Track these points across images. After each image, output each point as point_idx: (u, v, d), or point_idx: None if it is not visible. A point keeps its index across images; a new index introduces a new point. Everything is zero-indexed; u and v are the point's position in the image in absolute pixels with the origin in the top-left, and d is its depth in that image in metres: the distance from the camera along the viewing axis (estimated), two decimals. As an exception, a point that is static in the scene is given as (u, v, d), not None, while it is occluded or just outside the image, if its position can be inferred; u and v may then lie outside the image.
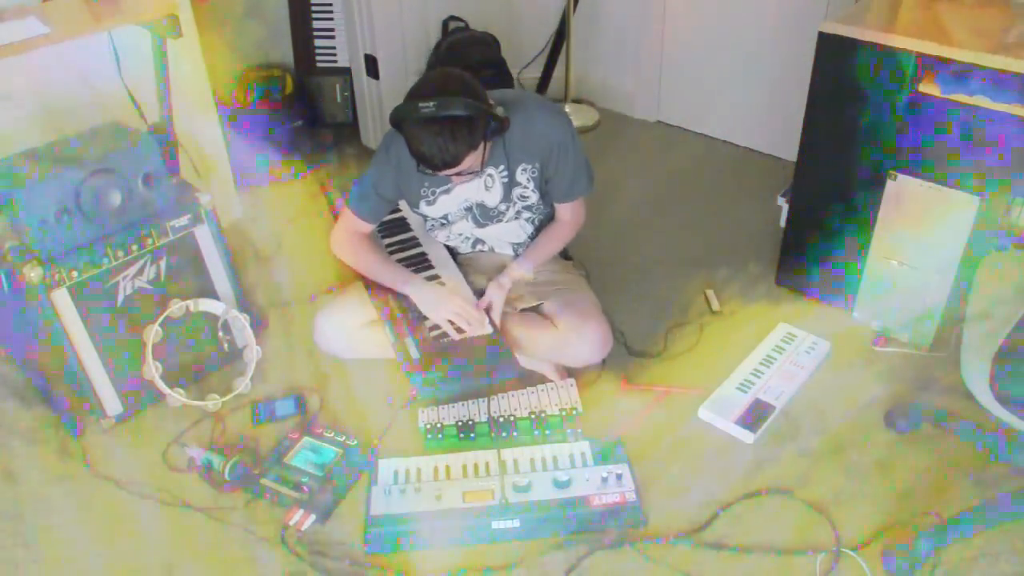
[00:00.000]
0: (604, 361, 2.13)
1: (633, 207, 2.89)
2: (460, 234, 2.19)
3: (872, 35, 1.93)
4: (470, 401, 2.05)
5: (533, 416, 2.00)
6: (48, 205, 1.83)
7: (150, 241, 2.00)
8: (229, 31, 2.96)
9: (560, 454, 1.90)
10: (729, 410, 2.00)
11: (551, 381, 2.12)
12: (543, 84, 3.55)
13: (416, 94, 1.76)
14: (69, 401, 2.05)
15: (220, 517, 1.81)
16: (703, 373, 2.13)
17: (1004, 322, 1.58)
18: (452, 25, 3.25)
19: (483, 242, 2.21)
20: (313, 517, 1.78)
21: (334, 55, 3.24)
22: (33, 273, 1.82)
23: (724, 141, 3.32)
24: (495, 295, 2.06)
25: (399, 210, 2.36)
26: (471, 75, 1.83)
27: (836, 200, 2.20)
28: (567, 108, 3.48)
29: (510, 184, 2.03)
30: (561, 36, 3.40)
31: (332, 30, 3.20)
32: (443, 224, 2.16)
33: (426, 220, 2.18)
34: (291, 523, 1.77)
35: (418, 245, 2.27)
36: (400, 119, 1.77)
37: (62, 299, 1.88)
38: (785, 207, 2.48)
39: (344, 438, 1.97)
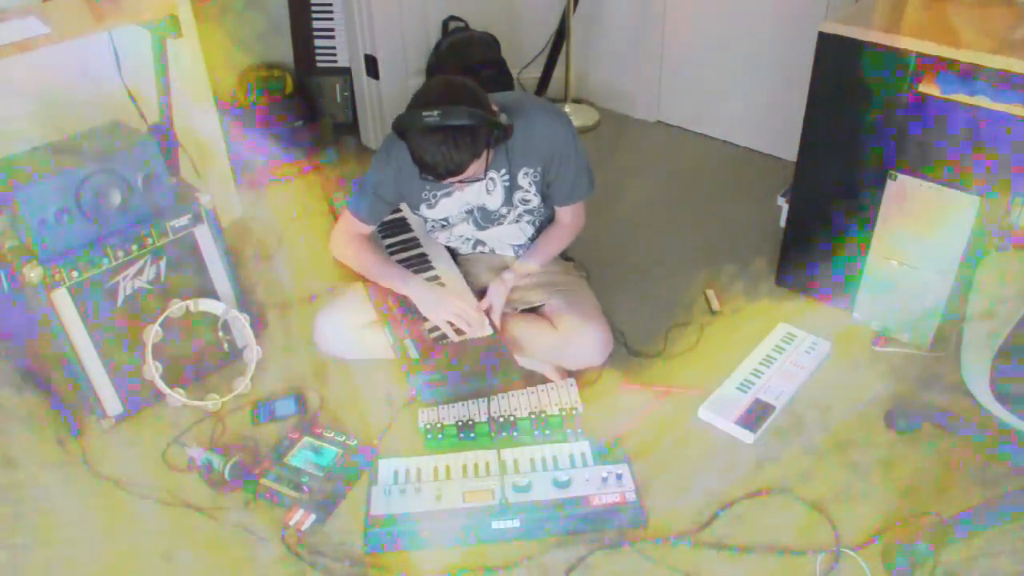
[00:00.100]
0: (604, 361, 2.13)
1: (633, 207, 2.89)
2: (461, 236, 2.19)
3: (872, 35, 1.93)
4: (470, 401, 2.05)
5: (533, 416, 2.00)
6: (48, 205, 1.83)
7: (150, 241, 2.00)
8: (229, 31, 2.96)
9: (560, 454, 1.90)
10: (729, 410, 2.00)
11: (551, 381, 2.11)
12: (543, 84, 3.55)
13: (420, 102, 1.75)
14: (69, 401, 2.05)
15: (220, 517, 1.81)
16: (703, 373, 2.13)
17: (1004, 322, 1.58)
18: (452, 25, 3.25)
19: (483, 243, 2.21)
20: (313, 517, 1.78)
21: (334, 55, 3.24)
22: (33, 273, 1.82)
23: (724, 141, 3.32)
24: (495, 296, 2.06)
25: (400, 210, 2.36)
26: (474, 81, 1.82)
27: (836, 200, 2.20)
28: (567, 108, 3.48)
29: (512, 188, 2.03)
30: (561, 36, 3.40)
31: (332, 30, 3.20)
32: (444, 226, 2.15)
33: (426, 222, 2.18)
34: (291, 523, 1.77)
35: (419, 246, 2.27)
36: (404, 127, 1.77)
37: (62, 299, 1.88)
38: (785, 207, 2.48)
39: (344, 438, 1.97)
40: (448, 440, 1.96)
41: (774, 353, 2.17)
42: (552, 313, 2.08)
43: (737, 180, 3.07)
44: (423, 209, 2.10)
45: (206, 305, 2.13)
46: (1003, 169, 1.89)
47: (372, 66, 3.10)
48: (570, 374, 2.13)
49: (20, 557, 1.76)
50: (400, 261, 2.20)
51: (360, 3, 2.99)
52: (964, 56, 1.83)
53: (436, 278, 2.14)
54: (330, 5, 3.16)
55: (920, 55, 1.89)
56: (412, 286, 2.07)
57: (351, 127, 3.34)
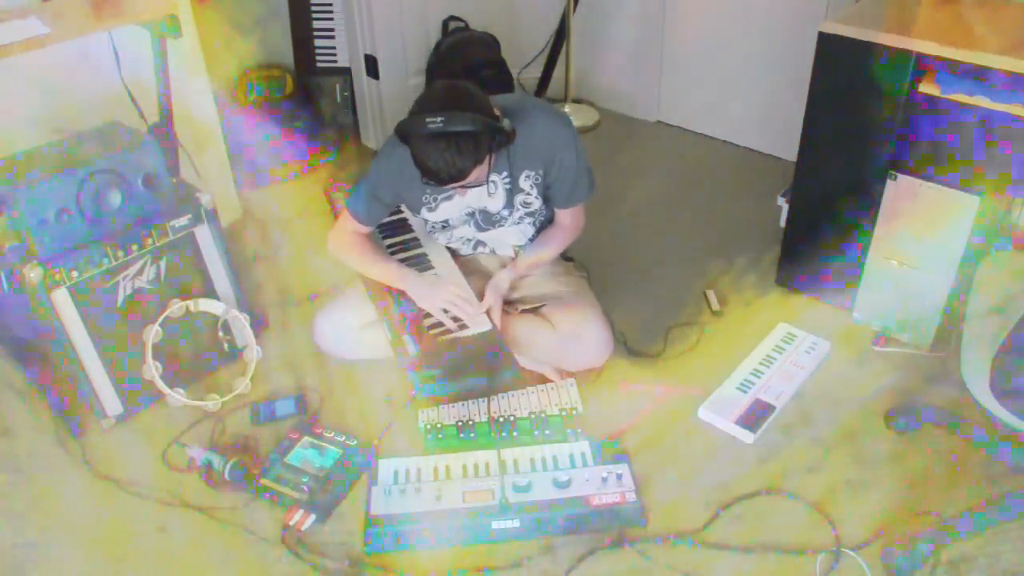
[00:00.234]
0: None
1: (633, 207, 2.89)
2: (461, 237, 2.19)
3: (872, 35, 1.93)
4: (470, 401, 2.05)
5: (533, 416, 2.00)
6: (48, 205, 1.83)
7: (150, 241, 2.00)
8: (229, 31, 2.96)
9: (560, 454, 1.90)
10: (729, 410, 2.00)
11: (551, 381, 2.11)
12: (543, 84, 3.55)
13: (423, 108, 1.74)
14: (69, 401, 2.05)
15: (220, 517, 1.81)
16: (703, 373, 2.13)
17: (1004, 322, 1.58)
18: (452, 25, 3.25)
19: (484, 244, 2.21)
20: (313, 517, 1.78)
21: (334, 55, 3.24)
22: (33, 273, 1.82)
23: (724, 141, 3.32)
24: (493, 297, 2.06)
25: (400, 211, 2.36)
26: (475, 83, 1.82)
27: (836, 200, 2.20)
28: (567, 108, 3.48)
29: (513, 190, 2.03)
30: (561, 36, 3.40)
31: (332, 30, 3.20)
32: (444, 227, 2.15)
33: (427, 223, 2.18)
34: (291, 523, 1.77)
35: (419, 246, 2.27)
36: (407, 133, 1.76)
37: (62, 299, 1.88)
38: (785, 207, 2.48)
39: (344, 438, 1.97)
40: (448, 440, 1.96)
41: (774, 353, 2.17)
42: (552, 314, 2.08)
43: (737, 180, 3.07)
44: (424, 212, 2.10)
45: (206, 305, 2.13)
46: (1003, 169, 1.89)
47: (372, 66, 3.10)
48: (570, 374, 2.13)
49: (20, 557, 1.76)
50: (401, 261, 2.19)
51: (360, 3, 2.99)
52: (964, 56, 1.83)
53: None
54: (330, 5, 3.16)
55: (920, 55, 1.89)
56: (406, 279, 2.07)
57: (351, 127, 3.34)
